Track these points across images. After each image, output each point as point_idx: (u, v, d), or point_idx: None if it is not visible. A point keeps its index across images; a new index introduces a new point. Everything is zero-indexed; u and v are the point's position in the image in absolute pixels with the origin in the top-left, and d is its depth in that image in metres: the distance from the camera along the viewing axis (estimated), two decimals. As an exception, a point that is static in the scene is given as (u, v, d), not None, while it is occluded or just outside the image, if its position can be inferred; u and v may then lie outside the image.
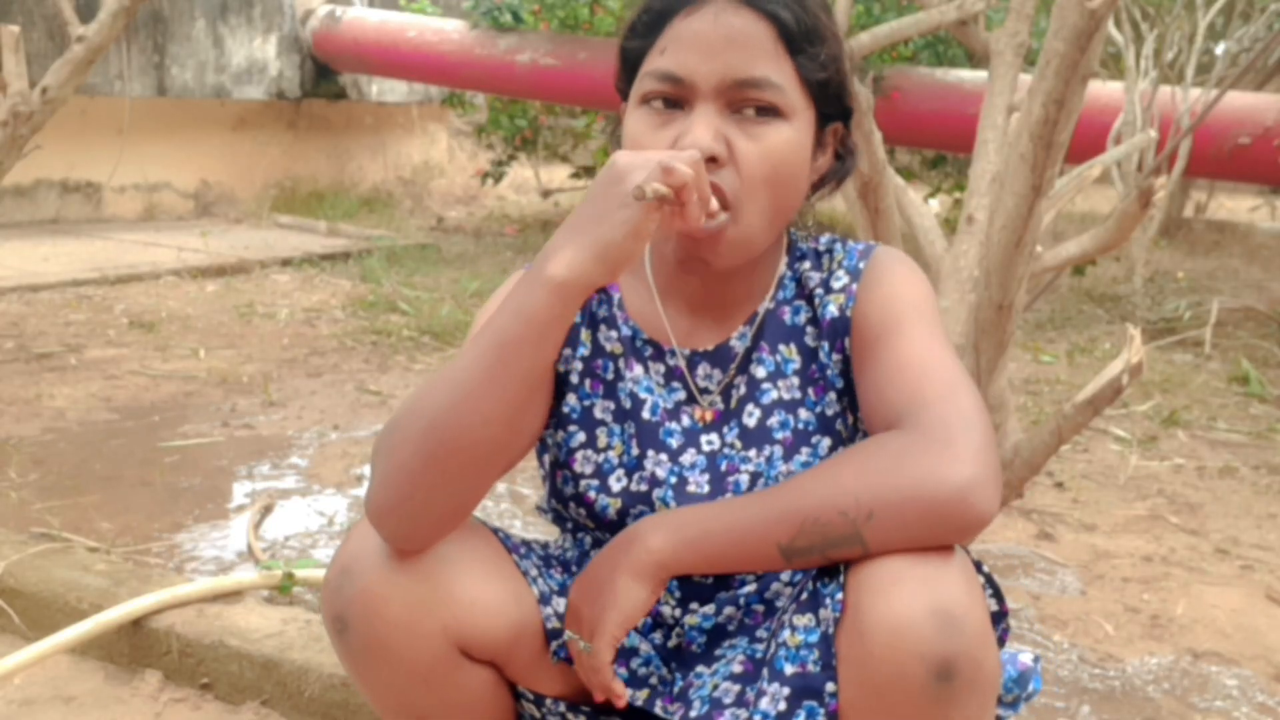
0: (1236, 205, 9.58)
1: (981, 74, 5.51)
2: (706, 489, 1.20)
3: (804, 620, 1.06)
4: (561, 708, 1.21)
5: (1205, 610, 2.20)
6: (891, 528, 1.00)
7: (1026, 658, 1.22)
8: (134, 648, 1.90)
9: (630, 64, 1.18)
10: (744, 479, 1.19)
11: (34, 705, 1.79)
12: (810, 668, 1.04)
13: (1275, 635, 2.11)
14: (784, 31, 1.12)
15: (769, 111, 1.12)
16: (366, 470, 2.85)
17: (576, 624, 1.11)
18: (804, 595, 1.08)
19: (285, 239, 6.60)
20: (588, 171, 8.05)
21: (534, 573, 1.19)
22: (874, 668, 0.97)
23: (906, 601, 0.97)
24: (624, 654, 1.18)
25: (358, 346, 4.21)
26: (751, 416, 1.21)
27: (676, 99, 1.13)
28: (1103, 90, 5.03)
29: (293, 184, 8.09)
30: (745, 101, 1.12)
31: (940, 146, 6.23)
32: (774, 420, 1.21)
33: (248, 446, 3.02)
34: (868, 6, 5.65)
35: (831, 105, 1.19)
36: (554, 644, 1.16)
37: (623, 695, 1.12)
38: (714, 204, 1.08)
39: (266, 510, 2.56)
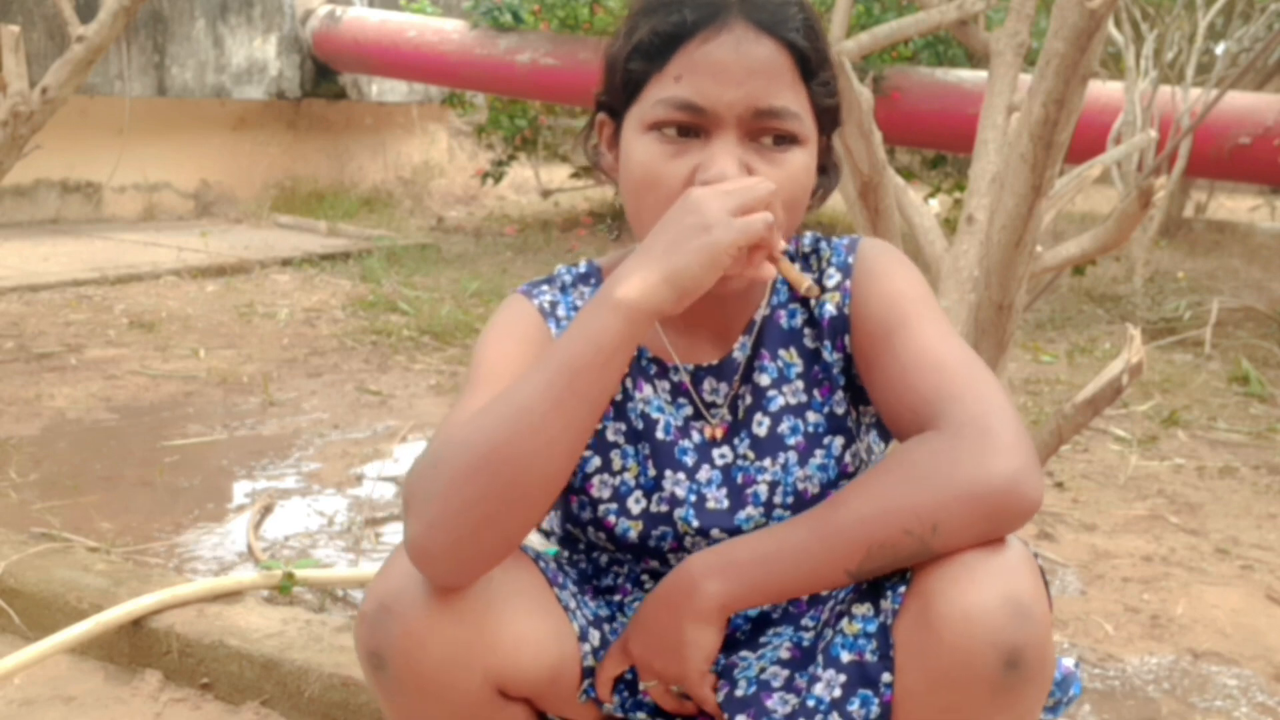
0: (1236, 205, 9.58)
1: (981, 74, 5.51)
2: (726, 503, 1.19)
3: (863, 609, 1.06)
4: None
5: (1205, 610, 2.20)
6: (956, 535, 0.99)
7: (1069, 662, 1.22)
8: (134, 648, 1.90)
9: (630, 84, 1.14)
10: (762, 489, 1.19)
11: (34, 705, 1.79)
12: (868, 657, 1.04)
13: (1275, 635, 2.11)
14: (800, 59, 1.12)
15: (787, 139, 1.12)
16: (367, 470, 2.85)
17: (652, 675, 1.11)
18: (863, 584, 1.07)
19: (285, 239, 6.60)
20: (588, 171, 8.05)
21: (573, 604, 1.16)
22: (944, 655, 0.97)
23: (979, 590, 0.97)
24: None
25: (358, 346, 4.21)
26: (761, 425, 1.21)
27: (692, 127, 1.11)
28: (1103, 90, 5.03)
29: (293, 184, 8.09)
30: (765, 131, 1.11)
31: (940, 146, 6.24)
32: (784, 426, 1.20)
33: (248, 446, 3.02)
34: (868, 6, 5.65)
35: (830, 125, 1.19)
36: (585, 683, 1.15)
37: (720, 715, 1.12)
38: (782, 244, 1.07)
39: (266, 510, 2.56)
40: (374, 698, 1.14)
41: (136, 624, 1.88)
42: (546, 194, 8.63)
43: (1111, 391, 1.65)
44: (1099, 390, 1.66)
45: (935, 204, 6.61)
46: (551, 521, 1.31)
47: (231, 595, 1.97)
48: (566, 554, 1.31)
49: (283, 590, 2.03)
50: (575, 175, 8.16)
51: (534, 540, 1.31)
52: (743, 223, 1.02)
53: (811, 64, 1.12)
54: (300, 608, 1.99)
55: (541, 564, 1.17)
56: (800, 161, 1.13)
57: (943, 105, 5.52)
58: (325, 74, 8.00)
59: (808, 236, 1.27)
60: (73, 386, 3.52)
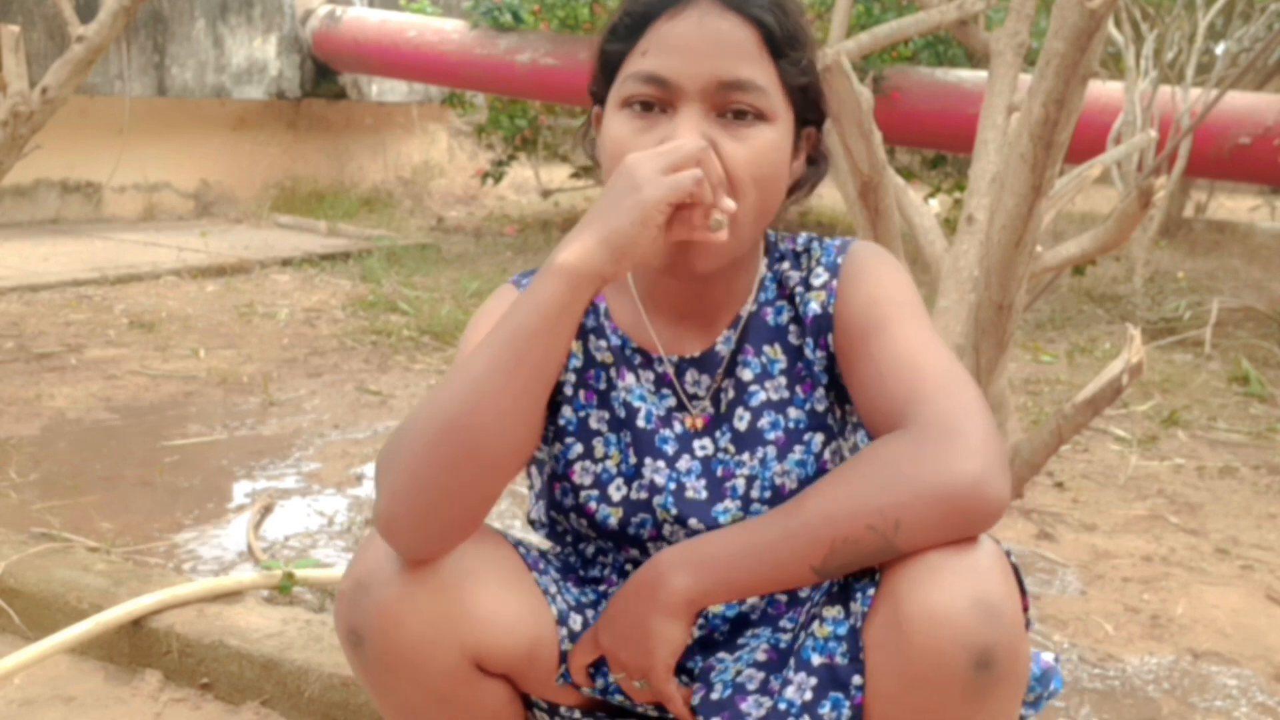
0: (1236, 205, 9.59)
1: (981, 74, 5.51)
2: (705, 494, 1.20)
3: (833, 612, 1.07)
4: (576, 715, 1.21)
5: (1205, 610, 2.20)
6: (919, 531, 1.00)
7: (1048, 657, 1.23)
8: (134, 648, 1.90)
9: (609, 67, 1.18)
10: (740, 483, 1.20)
11: (34, 705, 1.79)
12: (838, 660, 1.04)
13: (1275, 635, 2.11)
14: (768, 36, 1.13)
15: (753, 115, 1.12)
16: (367, 470, 2.85)
17: (619, 668, 1.12)
18: (835, 588, 1.08)
19: (285, 239, 6.60)
20: (587, 171, 8.06)
21: (553, 589, 1.18)
22: (913, 657, 0.97)
23: (947, 591, 0.97)
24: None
25: (358, 346, 4.21)
26: (742, 420, 1.22)
27: (660, 102, 1.13)
28: (1103, 90, 5.03)
29: (293, 184, 8.08)
30: (730, 104, 1.12)
31: (940, 146, 6.23)
32: (764, 421, 1.21)
33: (248, 446, 3.02)
34: (868, 6, 5.65)
35: (809, 110, 1.20)
36: (562, 668, 1.16)
37: (689, 716, 1.13)
38: (729, 204, 1.09)
39: (266, 510, 2.56)
40: (356, 677, 1.15)
41: (136, 624, 1.88)
42: (546, 194, 8.63)
43: (1111, 391, 1.65)
44: (1099, 390, 1.66)
45: (935, 204, 6.60)
46: (538, 511, 1.32)
47: (231, 595, 1.97)
48: (556, 549, 1.32)
49: (283, 590, 2.03)
50: (575, 175, 8.16)
51: (534, 539, 1.32)
52: (671, 179, 1.04)
53: (778, 41, 1.13)
54: (300, 608, 1.99)
55: (522, 550, 1.19)
56: (767, 138, 1.13)
57: (943, 105, 5.52)
58: (325, 74, 8.00)
59: (802, 237, 1.28)
60: (73, 386, 3.52)
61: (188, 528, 2.45)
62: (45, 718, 1.76)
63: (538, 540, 1.34)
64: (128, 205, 7.38)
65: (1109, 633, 2.09)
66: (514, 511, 2.60)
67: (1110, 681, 1.91)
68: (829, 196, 7.66)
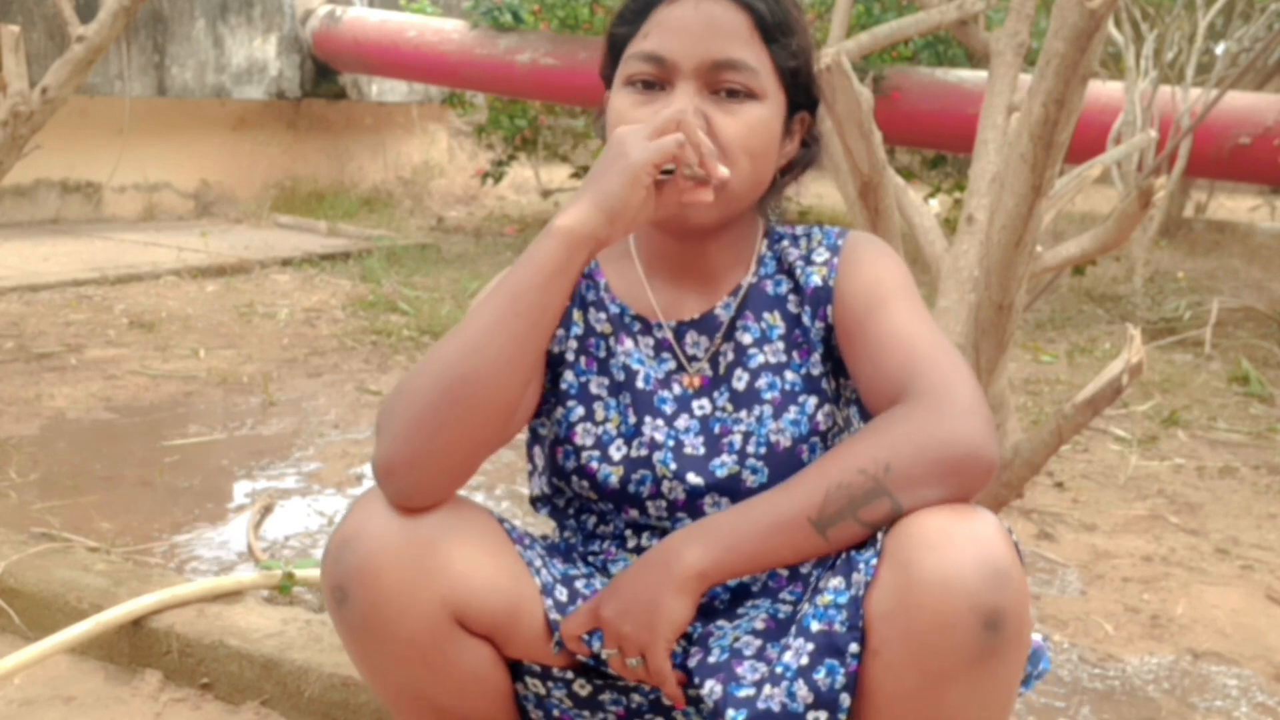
0: (1236, 205, 9.58)
1: (981, 74, 5.51)
2: (702, 450, 1.25)
3: (835, 582, 1.09)
4: (569, 675, 1.23)
5: (1205, 610, 2.20)
6: (909, 476, 1.05)
7: (1036, 637, 1.26)
8: (134, 648, 1.90)
9: (615, 49, 1.27)
10: (737, 439, 1.25)
11: (34, 705, 1.79)
12: (837, 627, 1.06)
13: (1275, 635, 2.11)
14: (759, 21, 1.21)
15: (744, 93, 1.21)
16: (367, 470, 2.85)
17: (616, 641, 1.13)
18: (838, 561, 1.11)
19: (285, 239, 6.60)
20: (588, 170, 8.05)
21: (538, 563, 1.21)
22: (923, 619, 1.00)
23: (955, 554, 1.00)
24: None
25: (358, 346, 4.21)
26: (740, 381, 1.28)
27: (659, 80, 1.21)
28: (1103, 90, 5.03)
29: (293, 184, 8.08)
30: (722, 83, 1.20)
31: (940, 146, 6.23)
32: (762, 382, 1.27)
33: (248, 446, 3.02)
34: (868, 6, 5.65)
35: (800, 94, 1.28)
36: (556, 635, 1.18)
37: (681, 699, 1.15)
38: (723, 171, 1.16)
39: (266, 510, 2.56)
40: (342, 641, 1.18)
41: (136, 624, 1.88)
42: (546, 194, 8.63)
43: (1111, 391, 1.65)
44: (1099, 390, 1.66)
45: (935, 204, 6.60)
46: (540, 486, 1.36)
47: (231, 595, 1.97)
48: (555, 531, 1.37)
49: (283, 590, 2.03)
50: (575, 175, 8.15)
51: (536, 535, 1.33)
52: (655, 143, 1.12)
53: (769, 26, 1.22)
54: (300, 608, 1.99)
55: (507, 526, 1.22)
56: (757, 114, 1.22)
57: (943, 105, 5.52)
58: (325, 74, 7.99)
59: (800, 226, 1.34)
60: (73, 386, 3.52)
61: (188, 528, 2.45)
62: (45, 718, 1.76)
63: (538, 531, 1.36)
64: (128, 205, 7.38)
65: (1109, 633, 2.09)
66: (514, 511, 2.60)
67: (1110, 681, 1.91)
68: (829, 197, 7.65)
